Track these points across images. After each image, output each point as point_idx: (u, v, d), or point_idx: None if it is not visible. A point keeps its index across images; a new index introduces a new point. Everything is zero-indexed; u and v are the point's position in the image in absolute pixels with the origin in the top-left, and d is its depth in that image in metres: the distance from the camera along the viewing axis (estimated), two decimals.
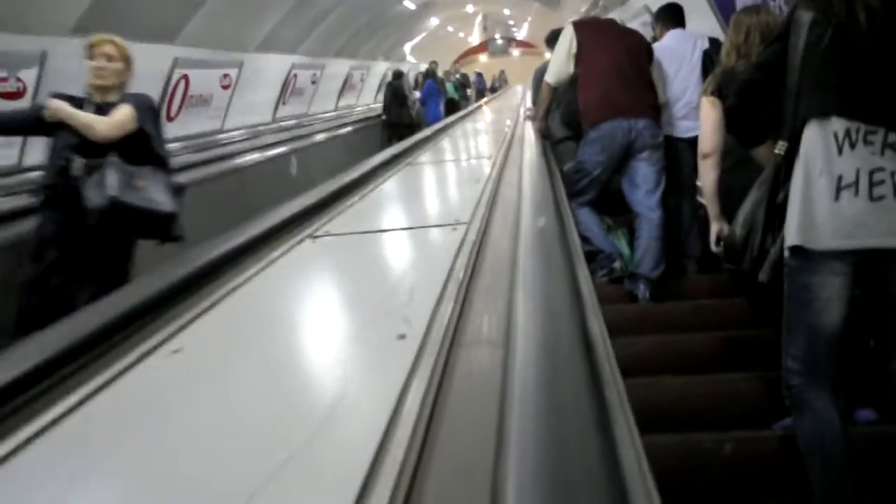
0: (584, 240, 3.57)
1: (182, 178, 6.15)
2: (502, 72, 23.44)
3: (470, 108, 10.56)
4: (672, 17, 4.13)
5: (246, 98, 8.20)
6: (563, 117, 4.27)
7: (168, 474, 0.75)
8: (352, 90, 13.27)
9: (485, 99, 14.89)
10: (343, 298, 1.39)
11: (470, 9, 20.67)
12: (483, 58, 27.62)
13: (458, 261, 1.37)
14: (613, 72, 3.76)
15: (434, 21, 19.15)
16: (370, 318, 1.17)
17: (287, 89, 9.62)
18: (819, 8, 1.88)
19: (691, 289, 3.82)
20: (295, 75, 9.56)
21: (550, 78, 3.99)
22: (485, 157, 3.33)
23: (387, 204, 2.42)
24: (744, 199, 2.20)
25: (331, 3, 9.40)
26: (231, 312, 1.26)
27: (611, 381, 0.99)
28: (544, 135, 4.16)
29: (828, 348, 1.94)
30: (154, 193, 3.02)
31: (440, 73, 16.02)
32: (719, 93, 2.80)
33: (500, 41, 27.86)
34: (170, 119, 6.59)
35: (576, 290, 1.24)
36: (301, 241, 1.72)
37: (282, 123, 9.61)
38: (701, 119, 2.91)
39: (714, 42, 3.90)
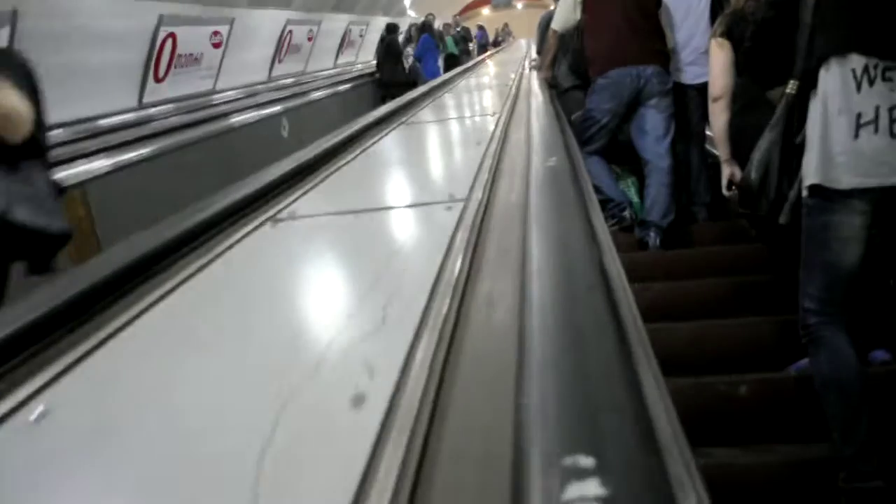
0: (595, 189, 3.54)
1: (170, 140, 6.04)
2: (506, 25, 22.63)
3: (471, 62, 9.65)
4: None
5: (239, 57, 7.75)
6: (571, 65, 4.21)
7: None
8: (351, 47, 12.20)
9: (487, 53, 14.26)
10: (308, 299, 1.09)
11: None
12: (486, 11, 27.08)
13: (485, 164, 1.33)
14: (620, 19, 3.70)
15: None
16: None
17: (282, 47, 9.10)
18: None
19: (702, 235, 3.81)
20: (290, 32, 9.03)
21: (556, 25, 3.92)
22: (489, 114, 2.95)
23: (374, 172, 2.01)
24: (754, 142, 2.17)
25: None
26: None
27: (630, 322, 0.98)
28: (551, 84, 4.11)
29: (845, 287, 1.94)
30: (43, 205, 2.05)
31: (439, 27, 15.37)
32: (728, 34, 2.75)
33: None
34: (158, 80, 6.37)
35: (591, 230, 1.22)
36: (260, 224, 1.38)
37: (279, 82, 9.17)
38: (710, 61, 2.87)
39: None
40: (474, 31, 19.82)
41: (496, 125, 2.32)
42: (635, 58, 3.65)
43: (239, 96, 7.92)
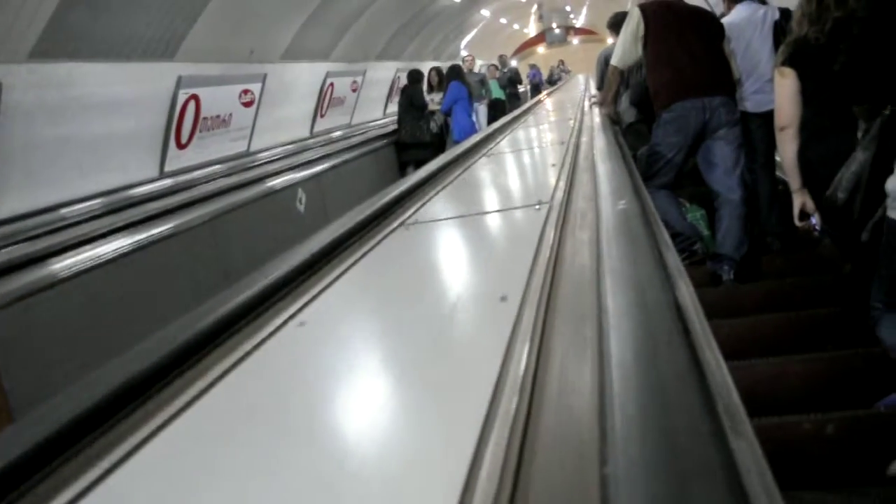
0: (663, 223, 3.50)
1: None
2: (561, 62, 21.94)
3: (522, 107, 7.59)
4: None
5: (275, 114, 7.30)
6: (633, 100, 4.20)
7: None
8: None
9: (542, 94, 12.03)
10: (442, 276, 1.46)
11: None
12: (541, 49, 27.03)
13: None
14: (683, 51, 3.68)
15: (485, 13, 17.38)
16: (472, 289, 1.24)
17: (324, 100, 8.78)
18: None
19: (777, 267, 3.71)
20: (331, 84, 8.73)
21: (618, 62, 3.92)
22: (548, 165, 2.62)
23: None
24: (824, 170, 2.13)
25: (362, 3, 8.68)
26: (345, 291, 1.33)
27: (714, 368, 0.96)
28: (613, 120, 4.10)
29: None
30: None
31: (481, 69, 13.77)
32: (791, 62, 2.71)
33: (557, 30, 26.82)
34: (181, 147, 5.84)
35: (665, 270, 1.21)
36: (395, 229, 1.82)
37: (318, 138, 8.68)
38: (775, 91, 2.83)
39: (785, 12, 3.78)
40: (526, 71, 18.94)
41: (557, 180, 2.14)
42: (701, 89, 3.61)
43: (277, 156, 7.35)
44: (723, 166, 3.65)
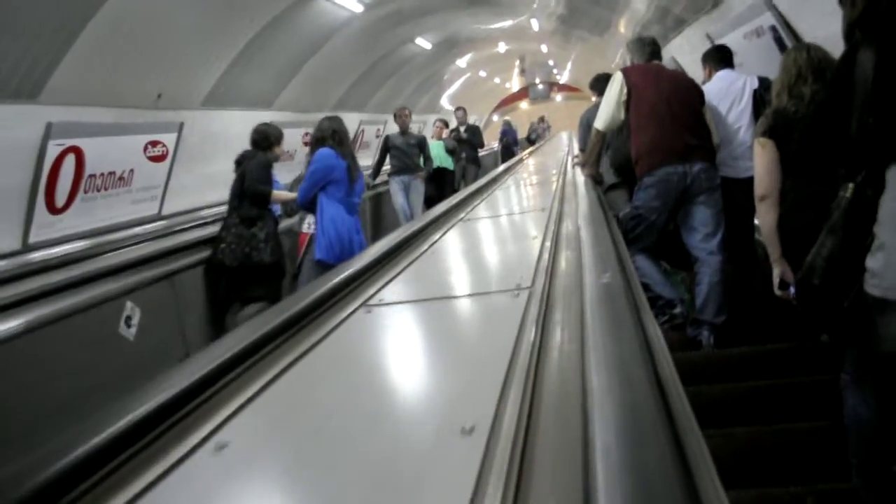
0: (643, 286, 3.51)
1: None
2: (542, 118, 20.48)
3: (477, 184, 5.22)
4: (720, 57, 4.11)
5: (199, 170, 6.36)
6: (613, 163, 4.25)
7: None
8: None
9: (513, 159, 9.91)
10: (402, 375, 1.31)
11: (502, 48, 16.84)
12: (524, 105, 27.06)
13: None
14: (666, 116, 3.73)
15: (460, 64, 15.82)
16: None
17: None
18: (883, 49, 1.84)
19: (758, 333, 3.71)
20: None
21: (600, 125, 3.97)
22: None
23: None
24: (805, 240, 2.14)
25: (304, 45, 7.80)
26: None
27: (690, 434, 0.96)
28: (597, 181, 4.14)
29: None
30: None
31: (419, 128, 11.27)
32: (771, 133, 2.76)
33: (540, 86, 26.66)
34: (56, 211, 4.63)
35: (647, 344, 1.20)
36: (355, 310, 1.64)
37: None
38: (755, 161, 2.87)
39: (763, 81, 3.87)
40: (501, 127, 16.63)
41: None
42: (682, 155, 3.65)
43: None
44: (703, 231, 3.68)
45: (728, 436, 2.60)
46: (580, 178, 4.13)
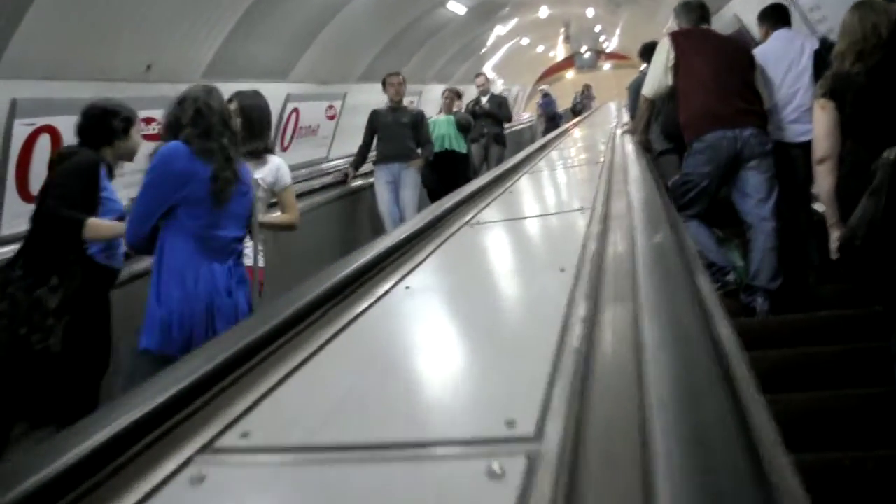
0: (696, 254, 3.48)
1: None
2: (586, 87, 18.85)
3: (501, 168, 3.85)
4: (777, 17, 3.99)
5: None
6: (664, 129, 4.20)
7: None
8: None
9: (553, 133, 7.92)
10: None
11: (544, 13, 15.12)
12: (570, 74, 26.29)
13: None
14: (714, 81, 3.67)
15: (499, 31, 14.46)
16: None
17: (285, 129, 7.60)
18: None
19: (813, 299, 3.65)
20: (295, 110, 7.35)
21: (648, 91, 3.92)
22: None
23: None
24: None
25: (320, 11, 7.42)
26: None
27: (749, 392, 0.96)
28: (646, 148, 4.09)
29: None
30: None
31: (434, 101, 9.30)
32: (832, 95, 2.69)
33: (587, 54, 25.61)
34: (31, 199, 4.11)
35: (702, 303, 1.20)
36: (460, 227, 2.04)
37: None
38: (814, 123, 2.81)
39: (824, 41, 3.76)
40: (538, 99, 15.52)
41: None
42: (731, 120, 3.59)
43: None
44: (755, 197, 3.62)
45: (783, 401, 2.58)
46: (629, 146, 4.08)
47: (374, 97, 7.76)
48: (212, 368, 1.03)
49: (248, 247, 2.94)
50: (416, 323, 1.36)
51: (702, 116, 3.65)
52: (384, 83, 6.31)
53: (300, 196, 4.88)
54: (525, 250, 2.08)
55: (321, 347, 1.15)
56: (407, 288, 1.51)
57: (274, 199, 3.38)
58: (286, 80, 6.77)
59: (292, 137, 7.20)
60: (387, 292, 1.47)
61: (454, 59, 12.26)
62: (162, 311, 2.54)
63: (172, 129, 2.65)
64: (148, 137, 4.38)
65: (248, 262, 2.91)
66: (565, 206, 2.60)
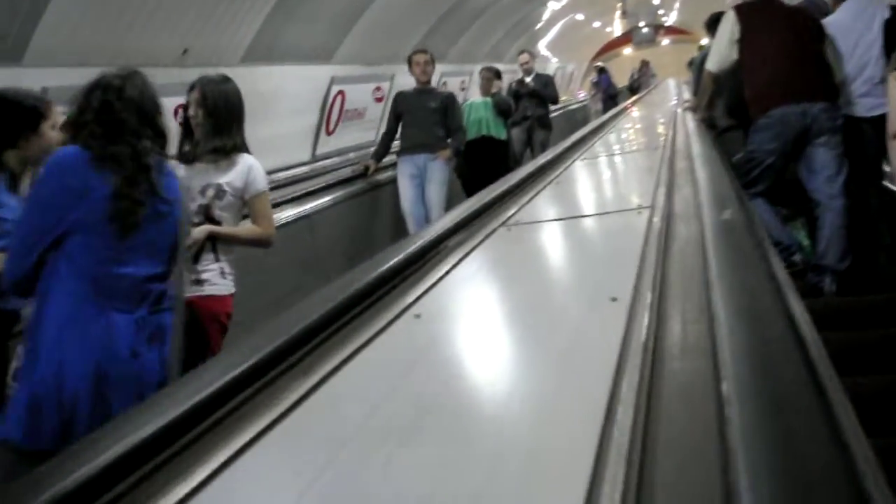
0: None
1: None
2: (644, 63, 17.58)
3: (544, 156, 3.62)
4: None
5: (254, 133, 6.29)
6: (728, 105, 4.09)
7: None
8: None
9: (608, 114, 7.43)
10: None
11: None
12: (627, 51, 25.52)
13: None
14: (781, 55, 3.56)
15: (553, 6, 13.75)
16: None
17: (330, 112, 7.43)
18: None
19: (882, 280, 3.53)
20: (340, 93, 7.04)
21: (712, 66, 3.82)
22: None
23: None
24: None
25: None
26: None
27: (828, 378, 0.94)
28: (709, 125, 3.99)
29: None
30: None
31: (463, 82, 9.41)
32: None
33: (645, 29, 24.74)
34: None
35: (773, 278, 1.17)
36: (495, 229, 1.81)
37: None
38: (889, 96, 2.70)
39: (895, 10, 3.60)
40: (592, 77, 14.81)
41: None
42: (800, 94, 3.49)
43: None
44: (824, 173, 3.51)
45: (852, 384, 2.50)
46: (691, 124, 4.00)
47: None
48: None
49: (213, 269, 2.55)
50: (426, 371, 1.04)
51: (768, 91, 3.55)
52: (409, 61, 5.52)
53: (309, 196, 4.73)
54: (569, 265, 1.72)
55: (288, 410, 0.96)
56: (417, 317, 1.23)
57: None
58: (330, 62, 6.45)
59: (338, 121, 6.89)
60: (391, 322, 1.20)
61: (506, 37, 11.70)
62: (30, 386, 1.83)
63: (75, 126, 2.02)
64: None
65: (211, 288, 2.53)
66: (620, 203, 2.17)
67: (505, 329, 1.24)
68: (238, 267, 2.67)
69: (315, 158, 6.46)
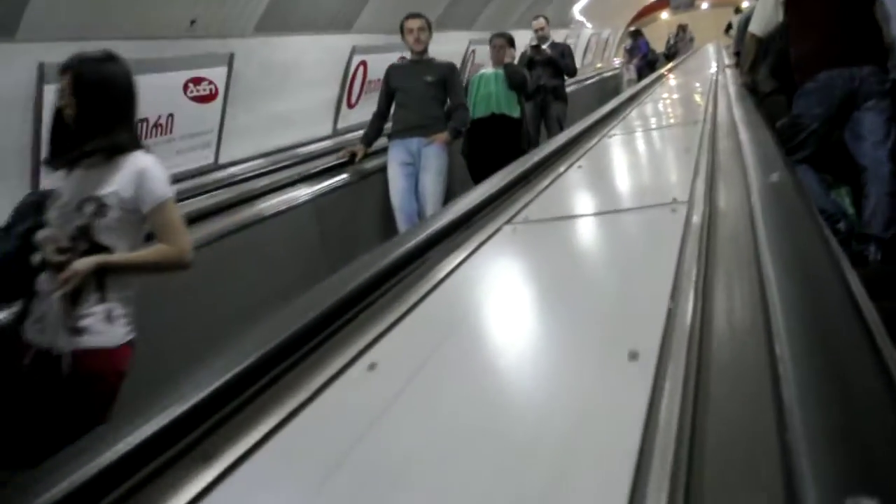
0: None
1: None
2: (681, 28, 16.86)
3: (565, 134, 3.30)
4: None
5: (267, 109, 5.42)
6: (772, 68, 4.00)
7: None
8: None
9: (641, 83, 6.98)
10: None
11: None
12: (665, 15, 24.93)
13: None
14: (828, 16, 3.47)
15: None
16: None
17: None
18: None
19: None
20: (362, 63, 6.41)
21: (756, 29, 3.73)
22: None
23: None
24: None
25: None
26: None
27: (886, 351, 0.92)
28: (751, 89, 3.91)
29: None
30: None
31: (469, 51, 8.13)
32: None
33: None
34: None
35: (828, 247, 1.15)
36: (499, 228, 1.48)
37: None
38: None
39: None
40: (626, 43, 14.28)
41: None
42: (847, 58, 3.40)
43: None
44: (871, 139, 3.42)
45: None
46: (732, 88, 3.91)
47: (450, 47, 7.02)
48: None
49: (96, 312, 1.98)
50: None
51: (815, 55, 3.46)
52: (401, 28, 4.80)
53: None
54: (585, 280, 1.31)
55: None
56: (371, 367, 0.97)
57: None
58: (350, 30, 5.93)
59: (360, 94, 6.35)
60: (341, 371, 0.97)
61: (538, 2, 10.65)
62: None
63: None
64: (197, 99, 4.31)
65: (92, 339, 1.97)
66: (651, 196, 1.79)
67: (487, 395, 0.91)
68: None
69: (336, 133, 5.97)
